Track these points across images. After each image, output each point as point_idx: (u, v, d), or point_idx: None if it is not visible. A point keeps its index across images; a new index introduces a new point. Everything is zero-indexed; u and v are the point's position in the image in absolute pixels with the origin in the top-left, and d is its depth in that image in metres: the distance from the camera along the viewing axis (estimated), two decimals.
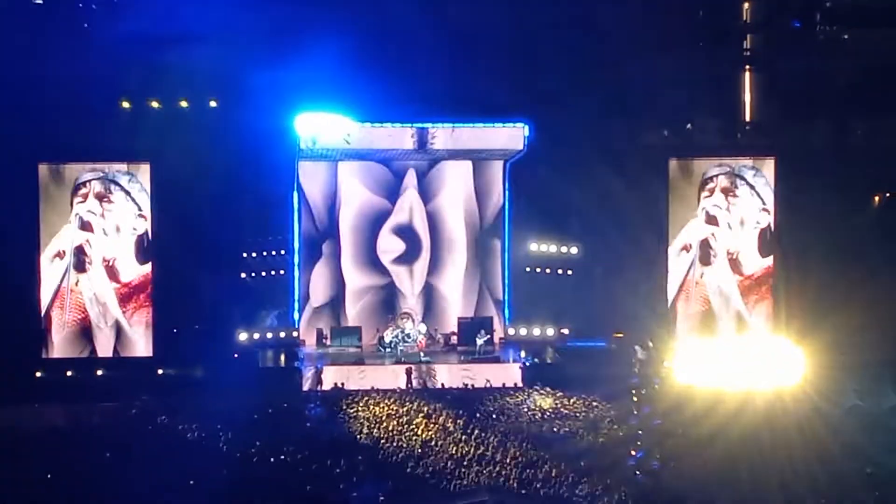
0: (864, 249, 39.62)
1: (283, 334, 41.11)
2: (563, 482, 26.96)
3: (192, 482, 26.73)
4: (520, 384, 37.84)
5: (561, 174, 40.65)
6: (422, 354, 40.11)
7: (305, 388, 37.85)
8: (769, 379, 33.59)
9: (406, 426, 31.91)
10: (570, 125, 40.15)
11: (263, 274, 41.78)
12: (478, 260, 43.83)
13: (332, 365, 38.75)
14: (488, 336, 40.91)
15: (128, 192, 38.52)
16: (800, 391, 32.31)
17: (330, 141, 39.09)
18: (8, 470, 27.80)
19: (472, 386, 37.92)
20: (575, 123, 40.12)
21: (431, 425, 31.88)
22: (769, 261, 40.47)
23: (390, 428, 31.93)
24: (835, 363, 34.31)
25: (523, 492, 26.65)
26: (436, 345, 42.29)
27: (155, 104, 40.13)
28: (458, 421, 32.26)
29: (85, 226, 38.40)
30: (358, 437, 31.66)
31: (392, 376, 38.22)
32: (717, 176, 40.42)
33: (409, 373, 38.27)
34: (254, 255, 41.73)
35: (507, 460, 28.71)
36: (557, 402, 35.44)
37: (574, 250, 42.62)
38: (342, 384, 37.47)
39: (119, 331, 38.64)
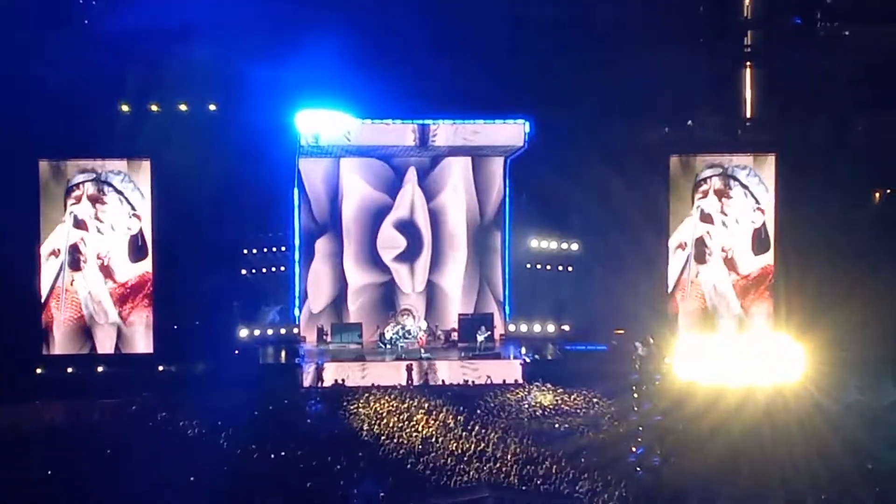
0: (864, 245, 39.65)
1: (283, 331, 41.22)
2: (564, 479, 26.92)
3: (192, 479, 26.71)
4: (520, 380, 37.86)
5: (561, 171, 40.69)
6: (422, 351, 40.12)
7: (306, 384, 37.87)
8: (769, 375, 33.63)
9: (406, 423, 31.90)
10: (570, 122, 40.19)
11: (264, 270, 41.84)
12: (478, 256, 43.83)
13: (333, 361, 38.79)
14: (489, 332, 40.92)
15: (121, 192, 38.48)
16: (800, 387, 32.30)
17: (331, 138, 39.10)
18: (8, 467, 27.77)
19: (473, 382, 37.96)
20: (575, 120, 40.15)
21: (432, 422, 31.87)
22: (765, 261, 40.43)
23: (391, 424, 31.92)
24: (835, 359, 34.30)
25: (524, 488, 26.61)
26: (436, 341, 42.31)
27: (155, 102, 40.14)
28: (459, 417, 32.25)
29: (79, 224, 38.36)
30: (358, 433, 31.64)
31: (393, 373, 38.24)
32: (710, 178, 40.35)
33: (409, 369, 38.28)
34: (254, 251, 41.81)
35: (508, 457, 28.68)
36: (558, 398, 35.43)
37: (574, 247, 42.67)
38: (343, 381, 37.49)
39: (119, 327, 38.65)
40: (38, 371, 38.24)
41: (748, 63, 43.24)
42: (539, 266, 42.95)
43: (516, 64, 40.38)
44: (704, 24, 43.24)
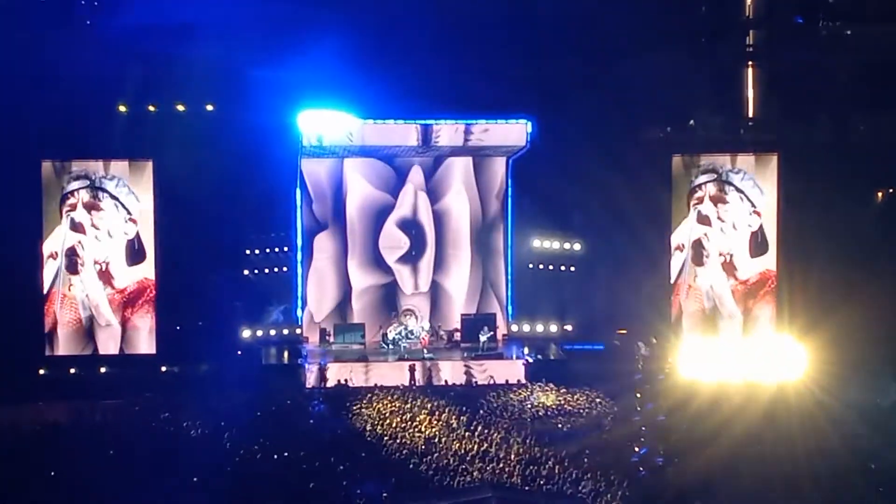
0: (867, 245, 39.63)
1: (286, 331, 41.22)
2: (567, 479, 26.92)
3: (195, 479, 26.73)
4: (523, 381, 37.85)
5: (563, 170, 40.67)
6: (425, 351, 40.09)
7: (309, 385, 37.85)
8: (772, 375, 33.65)
9: (409, 423, 31.90)
10: (572, 121, 40.18)
11: (266, 271, 41.83)
12: (481, 256, 43.80)
13: (336, 362, 38.77)
14: (492, 333, 40.88)
15: (116, 198, 38.43)
16: (803, 387, 32.34)
17: (334, 138, 39.11)
18: (11, 467, 27.78)
19: (476, 382, 37.96)
20: (577, 120, 40.15)
21: (435, 422, 31.86)
22: (765, 265, 40.31)
23: (393, 425, 31.91)
24: (837, 359, 34.29)
25: (527, 489, 26.61)
26: (439, 341, 42.30)
27: (158, 102, 40.14)
28: (462, 418, 32.24)
29: (77, 227, 38.32)
30: (361, 434, 31.64)
31: (396, 373, 38.22)
32: (705, 184, 40.27)
33: (412, 369, 38.26)
34: (257, 252, 41.81)
35: (511, 457, 28.68)
36: (561, 398, 35.42)
37: (577, 247, 42.66)
38: (345, 381, 37.50)
39: (122, 328, 38.64)
40: (41, 372, 38.24)
41: (750, 62, 43.22)
42: (542, 266, 42.95)
43: (519, 64, 40.39)
44: (706, 23, 43.26)
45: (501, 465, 28.01)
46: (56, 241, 38.23)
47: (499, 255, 43.62)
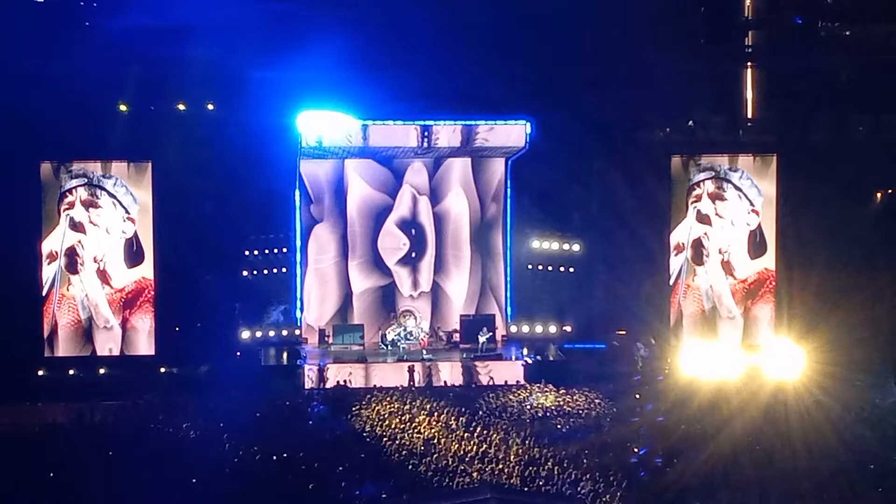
0: (866, 246, 39.61)
1: (285, 332, 41.20)
2: (566, 480, 26.93)
3: (194, 480, 26.72)
4: (522, 381, 37.84)
5: (563, 171, 40.69)
6: (424, 352, 40.12)
7: (308, 386, 37.85)
8: (772, 375, 33.66)
9: (408, 424, 31.89)
10: (571, 122, 40.18)
11: (265, 272, 41.83)
12: (480, 257, 43.78)
13: (335, 363, 38.75)
14: (490, 333, 40.88)
15: (113, 196, 38.40)
16: (802, 388, 32.33)
17: (334, 139, 39.11)
18: (10, 469, 27.77)
19: (475, 383, 37.95)
20: (577, 120, 40.16)
21: (434, 423, 31.86)
22: (763, 264, 40.31)
23: (393, 426, 31.90)
24: (837, 359, 34.28)
25: (526, 489, 26.60)
26: (438, 342, 42.30)
27: (157, 103, 40.14)
28: (461, 418, 32.23)
29: (76, 226, 38.28)
30: (360, 434, 31.63)
31: (395, 374, 38.23)
32: (703, 181, 40.25)
33: (411, 370, 38.27)
34: (256, 253, 41.80)
35: (510, 458, 28.68)
36: (560, 399, 35.41)
37: (576, 247, 42.69)
38: (345, 382, 37.50)
39: (121, 329, 38.63)
40: (40, 373, 38.21)
41: (749, 63, 43.24)
42: (541, 267, 42.96)
43: (518, 64, 40.38)
44: (705, 24, 43.27)
45: (500, 466, 28.00)
46: (56, 241, 38.18)
47: (498, 256, 43.59)
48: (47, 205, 38.11)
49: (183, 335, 39.05)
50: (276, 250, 42.04)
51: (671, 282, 40.33)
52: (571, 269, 42.55)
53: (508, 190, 43.12)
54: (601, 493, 26.08)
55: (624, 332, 40.93)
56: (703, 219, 40.15)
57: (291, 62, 37.67)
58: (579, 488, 26.44)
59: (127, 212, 38.52)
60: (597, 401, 34.94)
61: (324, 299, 43.05)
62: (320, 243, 42.96)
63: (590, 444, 29.98)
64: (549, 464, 27.98)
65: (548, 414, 34.12)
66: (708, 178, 40.17)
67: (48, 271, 38.23)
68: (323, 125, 38.74)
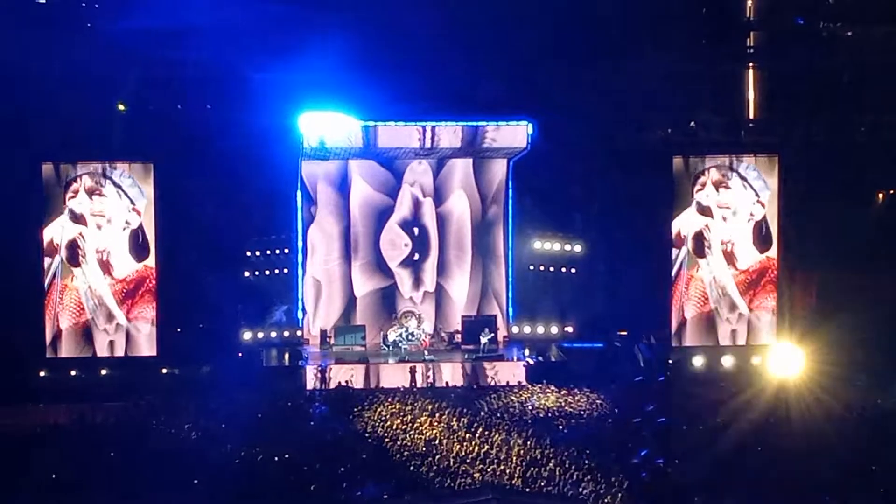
0: (869, 247, 39.62)
1: (287, 333, 41.19)
2: (568, 480, 26.93)
3: (195, 481, 26.74)
4: (524, 382, 37.84)
5: (564, 172, 40.69)
6: (426, 353, 40.12)
7: (309, 386, 37.85)
8: (773, 375, 33.68)
9: (410, 425, 31.89)
10: (573, 123, 40.20)
11: (267, 273, 41.84)
12: (481, 258, 43.77)
13: (337, 364, 38.75)
14: (492, 334, 40.87)
15: (119, 185, 38.24)
16: (804, 388, 32.34)
17: (335, 140, 39.13)
18: (11, 470, 27.79)
19: (477, 384, 37.95)
20: (578, 121, 40.18)
21: (435, 424, 31.86)
22: (765, 255, 40.07)
23: (394, 426, 31.90)
24: (839, 360, 34.29)
25: (527, 490, 26.61)
26: (440, 343, 42.30)
27: (158, 104, 40.17)
28: (463, 419, 32.23)
29: (78, 219, 38.14)
30: (362, 435, 31.63)
31: (396, 375, 38.23)
32: (708, 169, 39.85)
33: (413, 371, 38.27)
34: (257, 253, 41.81)
35: (512, 459, 28.68)
36: (561, 399, 35.41)
37: (577, 248, 42.69)
38: (346, 383, 37.50)
39: (123, 330, 38.59)
40: (42, 374, 38.20)
41: (751, 64, 43.24)
42: (542, 268, 42.96)
43: (520, 65, 40.42)
44: (706, 24, 43.27)
45: (502, 467, 28.01)
46: (56, 232, 37.91)
47: (499, 257, 43.58)
48: (52, 206, 37.98)
49: (184, 336, 39.06)
50: (277, 251, 42.05)
51: (673, 279, 39.88)
52: (573, 270, 42.55)
53: (510, 191, 43.11)
54: (603, 493, 26.08)
55: (625, 333, 40.92)
56: (703, 210, 39.65)
57: (293, 63, 37.72)
58: (581, 489, 26.44)
59: (132, 203, 38.27)
60: (598, 401, 34.94)
61: (327, 301, 43.02)
62: (322, 244, 42.94)
63: (591, 445, 29.97)
64: (551, 465, 27.98)
65: (549, 414, 34.12)
66: (713, 166, 39.49)
67: (51, 268, 38.11)
68: (324, 126, 38.77)
